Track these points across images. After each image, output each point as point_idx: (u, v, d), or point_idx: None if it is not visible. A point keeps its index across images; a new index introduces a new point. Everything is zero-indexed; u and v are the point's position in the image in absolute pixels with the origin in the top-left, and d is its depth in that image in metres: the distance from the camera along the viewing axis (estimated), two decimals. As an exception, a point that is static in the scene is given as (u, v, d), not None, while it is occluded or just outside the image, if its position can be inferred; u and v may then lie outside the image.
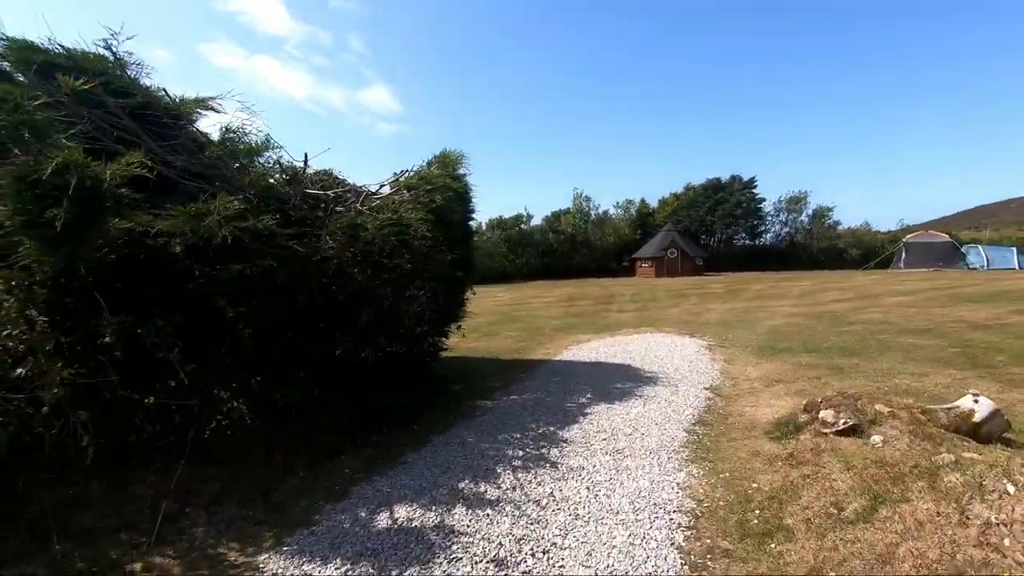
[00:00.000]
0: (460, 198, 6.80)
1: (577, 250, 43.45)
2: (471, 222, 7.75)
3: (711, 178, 46.87)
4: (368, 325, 5.15)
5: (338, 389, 4.97)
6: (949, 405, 4.05)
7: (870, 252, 39.34)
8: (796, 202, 44.15)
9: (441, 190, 6.28)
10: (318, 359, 4.85)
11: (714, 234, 46.79)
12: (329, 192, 5.11)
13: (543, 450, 4.56)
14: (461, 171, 7.18)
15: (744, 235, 46.58)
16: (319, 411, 4.64)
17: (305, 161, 5.15)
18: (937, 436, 3.64)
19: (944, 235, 34.14)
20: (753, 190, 44.89)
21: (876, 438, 3.80)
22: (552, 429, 5.13)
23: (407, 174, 6.54)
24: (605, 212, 46.61)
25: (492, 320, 14.77)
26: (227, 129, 5.10)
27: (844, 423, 4.08)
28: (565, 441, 4.78)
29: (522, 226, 42.78)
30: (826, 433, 4.15)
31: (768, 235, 46.71)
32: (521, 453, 4.52)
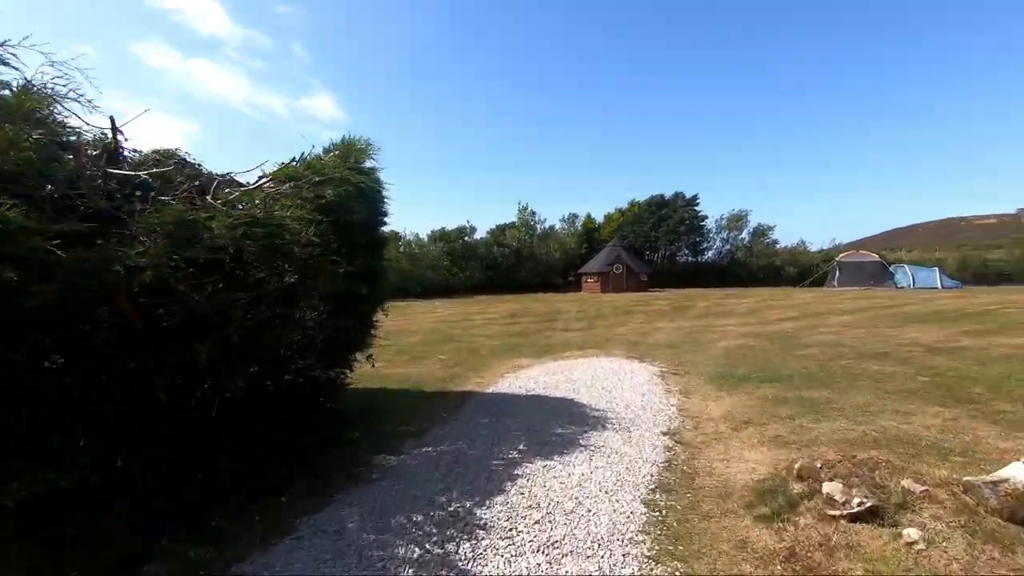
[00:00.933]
0: (363, 196, 5.41)
1: (523, 264, 42.50)
2: (383, 227, 6.36)
3: (655, 194, 47.32)
4: (215, 361, 3.69)
5: (158, 457, 3.46)
6: (994, 478, 3.03)
7: (805, 270, 40.45)
8: (737, 220, 45.12)
9: (335, 183, 4.88)
10: (131, 412, 3.35)
11: (658, 250, 47.07)
12: (145, 174, 3.58)
13: (450, 546, 3.22)
14: (369, 164, 5.81)
15: (687, 251, 47.10)
16: (113, 497, 3.13)
17: (114, 128, 3.60)
18: (1002, 534, 2.56)
19: (874, 255, 35.43)
20: (696, 207, 45.53)
21: (912, 532, 2.70)
22: (468, 505, 3.79)
23: (294, 164, 5.09)
24: (551, 227, 46.08)
25: (425, 340, 13.31)
26: None
27: (860, 505, 2.98)
28: (483, 527, 3.46)
29: (466, 239, 41.43)
30: (834, 516, 3.04)
31: (710, 252, 47.48)
32: (417, 552, 3.16)
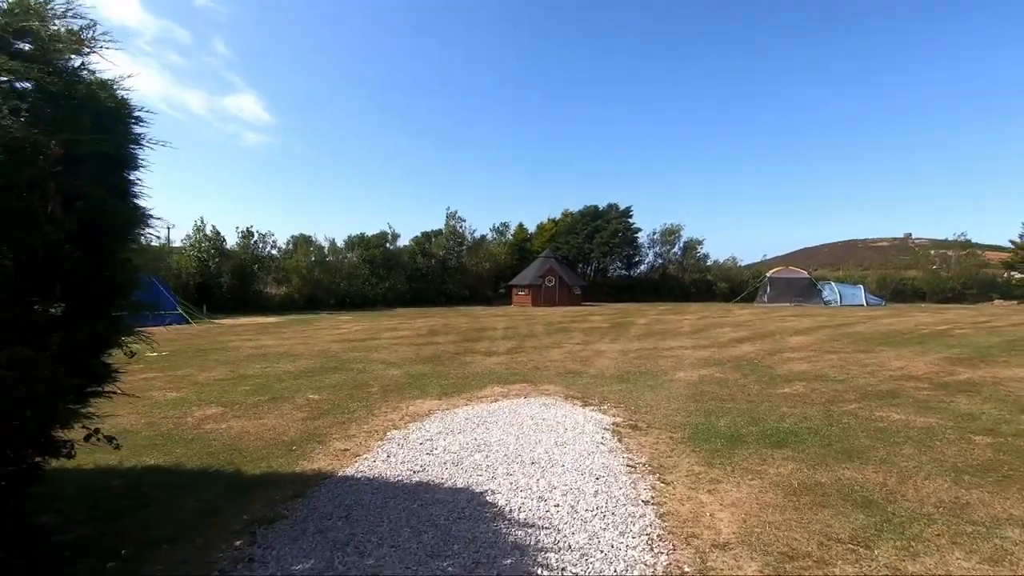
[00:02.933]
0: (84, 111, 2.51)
1: (450, 276, 39.51)
2: (133, 198, 3.41)
3: (588, 205, 45.94)
4: None
5: None
6: None
7: (737, 286, 40.21)
8: (670, 234, 44.45)
9: None
10: None
11: (591, 263, 45.64)
12: None
13: None
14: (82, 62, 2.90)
15: (620, 265, 45.97)
16: None
17: None
18: None
19: (802, 271, 35.49)
20: (630, 219, 44.52)
21: None
22: None
23: None
24: (482, 236, 43.41)
25: (306, 368, 10.18)
26: None
27: None
28: None
29: (388, 246, 37.90)
30: None
31: (643, 266, 46.61)
32: None
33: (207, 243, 31.61)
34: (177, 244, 31.77)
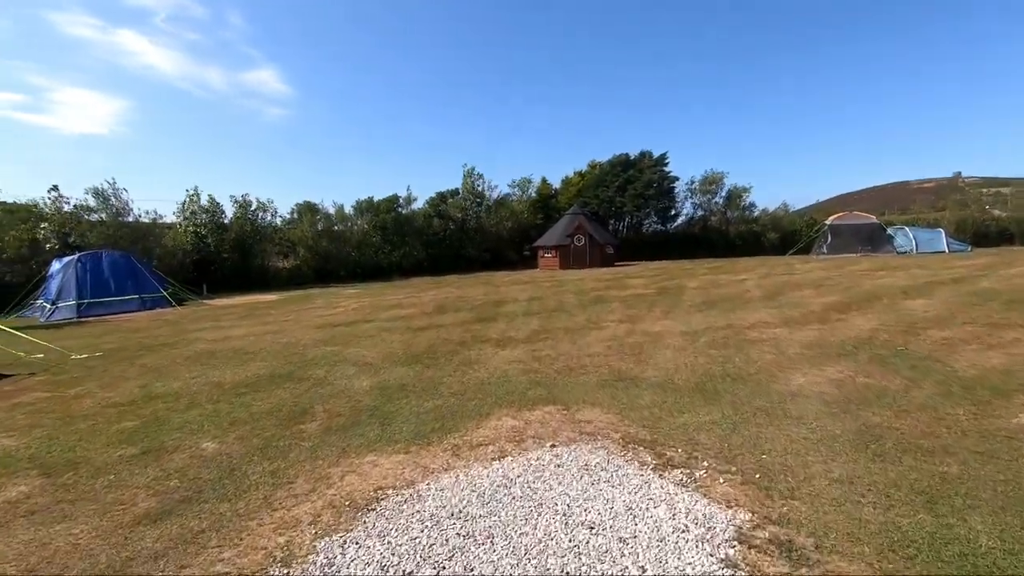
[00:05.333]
0: None
1: (469, 238, 36.22)
2: None
3: (618, 154, 41.60)
4: None
5: None
6: None
7: (788, 236, 35.89)
8: (711, 182, 39.86)
9: None
10: None
11: (623, 218, 41.67)
12: None
13: None
14: None
15: (656, 219, 41.86)
16: None
17: None
18: None
19: (869, 216, 30.98)
20: (665, 167, 40.16)
21: None
22: None
23: None
24: (503, 195, 39.67)
25: (247, 378, 7.29)
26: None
27: None
28: None
29: (400, 210, 34.70)
30: None
31: (680, 219, 42.40)
32: None
33: (204, 215, 29.00)
34: (170, 220, 29.21)
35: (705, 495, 3.30)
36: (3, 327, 11.54)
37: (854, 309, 10.13)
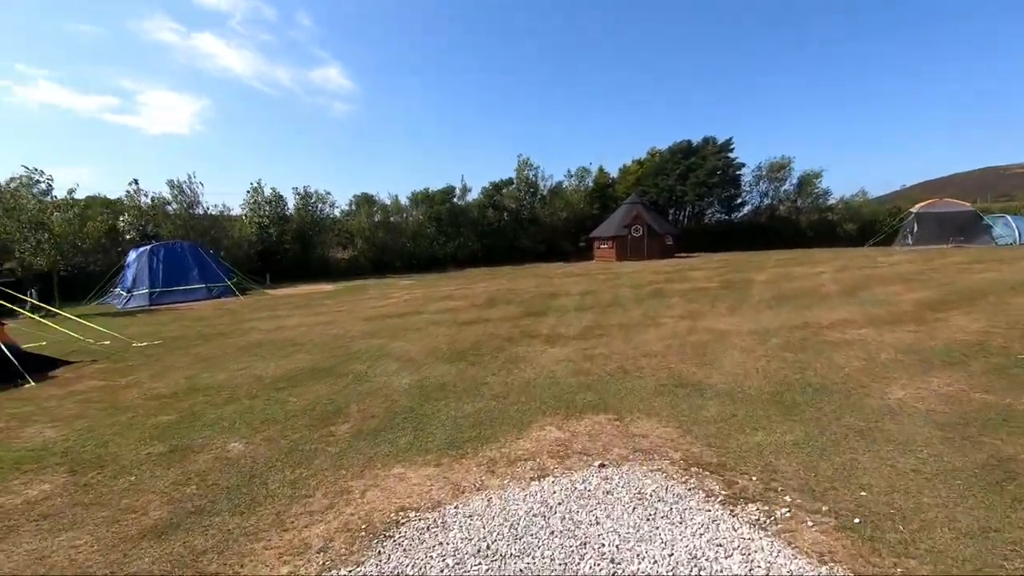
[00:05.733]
0: None
1: (524, 229, 35.74)
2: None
3: (679, 141, 39.81)
4: None
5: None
6: None
7: (867, 226, 33.19)
8: (779, 168, 37.37)
9: None
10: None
11: (684, 207, 39.92)
12: None
13: None
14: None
15: (719, 208, 39.83)
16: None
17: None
18: None
19: (963, 204, 28.06)
20: (730, 153, 38.05)
21: None
22: None
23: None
24: (558, 184, 38.86)
25: (290, 372, 7.17)
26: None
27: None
28: None
29: (455, 201, 34.66)
30: None
31: (746, 208, 40.13)
32: None
33: (267, 207, 30.00)
34: (237, 212, 30.41)
35: (790, 543, 2.66)
36: (71, 315, 12.12)
37: (954, 307, 8.89)
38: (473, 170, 65.64)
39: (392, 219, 33.28)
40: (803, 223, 35.95)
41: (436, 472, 3.76)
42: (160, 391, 6.55)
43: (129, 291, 20.32)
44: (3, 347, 7.65)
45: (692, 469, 3.57)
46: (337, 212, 32.81)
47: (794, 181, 37.59)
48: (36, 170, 22.03)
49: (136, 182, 26.56)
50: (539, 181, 37.18)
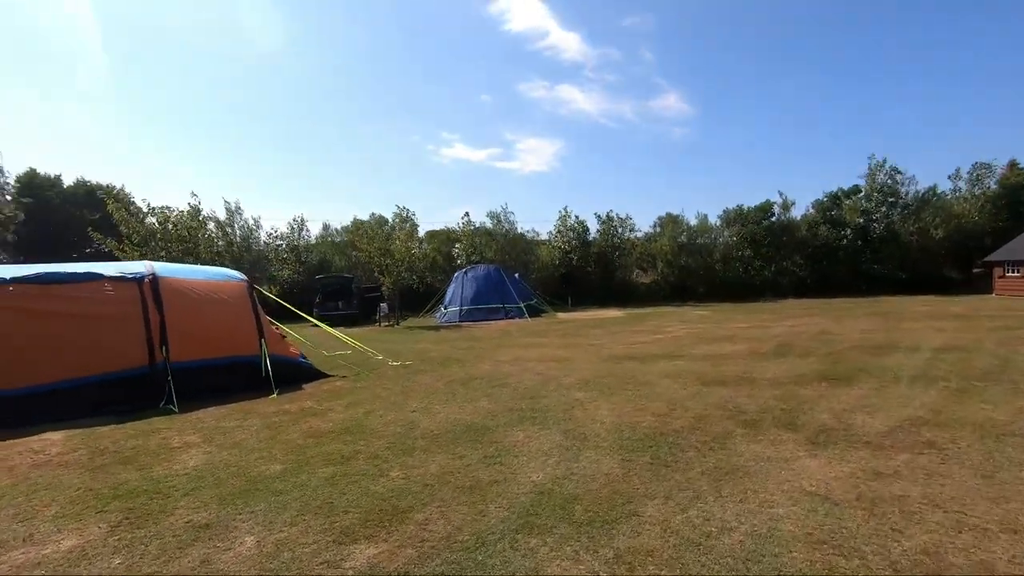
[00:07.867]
0: None
1: (874, 250, 27.37)
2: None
3: None
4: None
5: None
6: None
7: None
8: None
9: None
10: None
11: None
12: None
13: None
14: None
15: None
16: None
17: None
18: None
19: None
20: None
21: None
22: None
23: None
24: (929, 189, 28.56)
25: (455, 425, 5.97)
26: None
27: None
28: None
29: (774, 218, 28.99)
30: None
31: None
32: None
33: (571, 233, 31.03)
34: (543, 237, 32.38)
35: None
36: (342, 334, 13.74)
37: None
38: (792, 183, 55.46)
39: (698, 241, 30.12)
40: None
41: None
42: (322, 428, 6.12)
43: (447, 308, 23.32)
44: (268, 357, 8.69)
45: None
46: (638, 235, 31.69)
47: None
48: (404, 208, 27.52)
49: (467, 214, 30.99)
50: (899, 186, 28.10)
